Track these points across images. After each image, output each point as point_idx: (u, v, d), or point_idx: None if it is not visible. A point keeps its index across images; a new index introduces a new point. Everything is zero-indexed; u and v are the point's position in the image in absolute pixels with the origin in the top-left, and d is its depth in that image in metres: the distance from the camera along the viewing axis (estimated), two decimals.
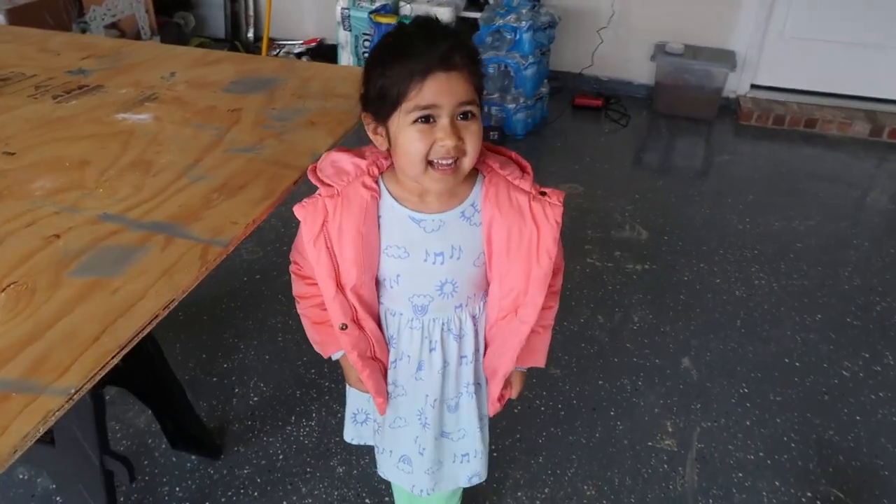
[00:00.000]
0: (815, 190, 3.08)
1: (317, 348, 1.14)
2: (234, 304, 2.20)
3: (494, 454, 1.72)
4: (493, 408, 1.18)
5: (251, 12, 4.27)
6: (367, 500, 1.60)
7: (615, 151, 3.39)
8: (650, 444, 1.78)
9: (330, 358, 1.15)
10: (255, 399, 1.85)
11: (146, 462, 1.67)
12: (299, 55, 4.08)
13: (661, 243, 2.62)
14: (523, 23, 3.24)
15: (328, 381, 1.91)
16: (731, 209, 2.88)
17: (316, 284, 1.04)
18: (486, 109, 3.42)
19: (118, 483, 1.43)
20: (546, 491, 1.65)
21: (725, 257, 2.56)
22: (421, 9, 3.61)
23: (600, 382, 1.96)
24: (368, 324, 1.04)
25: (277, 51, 4.13)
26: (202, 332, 2.08)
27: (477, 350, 1.11)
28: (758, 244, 2.65)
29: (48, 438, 1.32)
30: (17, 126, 1.34)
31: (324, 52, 4.10)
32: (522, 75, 3.32)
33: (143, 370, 1.48)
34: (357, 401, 1.27)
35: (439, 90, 0.85)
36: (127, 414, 1.78)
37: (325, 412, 1.82)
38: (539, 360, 1.15)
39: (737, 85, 3.88)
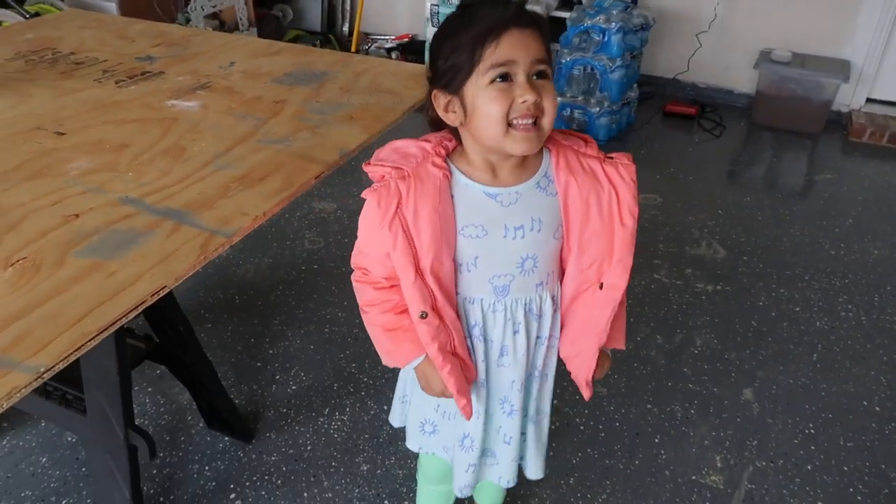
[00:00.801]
0: None
1: (389, 360, 1.07)
2: (288, 292, 2.23)
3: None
4: (587, 391, 1.10)
5: (347, 6, 4.36)
6: (386, 502, 1.58)
7: (703, 163, 3.20)
8: (694, 478, 1.66)
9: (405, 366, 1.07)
10: (294, 387, 1.87)
11: (182, 438, 1.72)
12: (390, 50, 4.11)
13: (738, 264, 2.45)
14: (613, 24, 3.12)
15: (367, 378, 1.90)
16: (825, 232, 2.65)
17: (386, 288, 1.01)
18: (567, 112, 3.33)
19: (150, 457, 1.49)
20: None
21: (810, 284, 2.35)
22: None
23: (648, 406, 1.85)
24: (448, 313, 1.00)
25: (369, 45, 4.19)
26: (254, 317, 2.13)
27: (552, 335, 1.08)
28: (850, 273, 2.42)
29: (81, 408, 1.39)
30: (74, 108, 1.40)
31: (414, 48, 4.12)
32: (608, 78, 3.20)
33: (176, 351, 1.52)
34: (424, 410, 1.18)
35: (515, 45, 0.85)
36: (173, 389, 1.85)
37: (359, 408, 1.81)
38: (619, 340, 1.09)
39: (850, 98, 3.57)
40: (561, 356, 1.12)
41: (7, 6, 3.26)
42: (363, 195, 0.95)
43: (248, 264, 2.37)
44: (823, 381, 1.95)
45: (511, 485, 1.20)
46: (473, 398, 1.08)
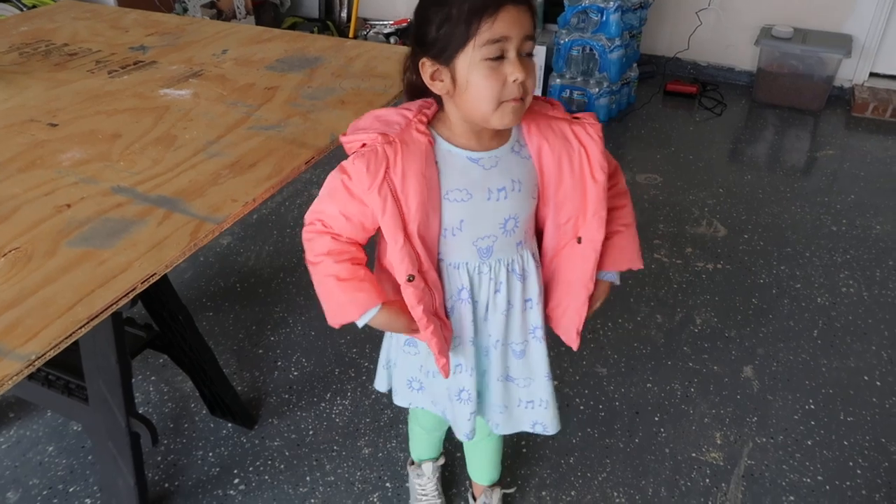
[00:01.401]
0: None
1: (339, 315, 1.03)
2: (289, 279, 2.25)
3: (524, 450, 1.67)
4: (577, 341, 1.15)
5: None
6: (387, 484, 1.59)
7: (704, 141, 3.19)
8: (694, 455, 1.66)
9: (356, 324, 1.04)
10: (295, 373, 1.89)
11: (186, 425, 1.74)
12: (388, 35, 4.10)
13: (739, 242, 2.44)
14: (611, 3, 3.09)
15: (367, 362, 1.92)
16: (826, 209, 2.64)
17: (345, 241, 1.00)
18: (567, 93, 3.31)
19: (160, 445, 1.50)
20: (572, 493, 1.58)
21: (811, 261, 2.35)
22: None
23: (648, 385, 1.85)
24: (431, 275, 1.02)
25: (367, 31, 4.17)
26: (256, 305, 2.14)
27: (541, 293, 1.12)
28: (852, 248, 2.41)
29: (84, 397, 1.40)
30: (67, 99, 1.41)
31: None
32: (607, 59, 3.18)
33: (177, 339, 1.54)
34: (410, 370, 1.21)
35: (511, 22, 0.87)
36: (176, 378, 1.86)
37: (360, 392, 1.83)
38: (634, 260, 1.12)
39: (852, 73, 3.54)
40: (550, 322, 1.17)
41: (6, 0, 3.26)
42: (350, 161, 0.95)
43: (249, 252, 2.38)
44: (824, 357, 1.95)
45: (498, 432, 1.24)
46: (461, 356, 1.12)
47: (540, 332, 1.14)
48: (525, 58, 0.90)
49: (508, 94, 0.89)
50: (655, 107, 3.52)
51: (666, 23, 3.71)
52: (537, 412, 1.22)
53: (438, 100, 0.98)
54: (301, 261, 2.32)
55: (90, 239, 0.96)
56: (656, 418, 1.76)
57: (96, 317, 0.83)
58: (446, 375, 1.11)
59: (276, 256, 2.36)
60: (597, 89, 3.22)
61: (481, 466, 1.48)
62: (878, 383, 1.87)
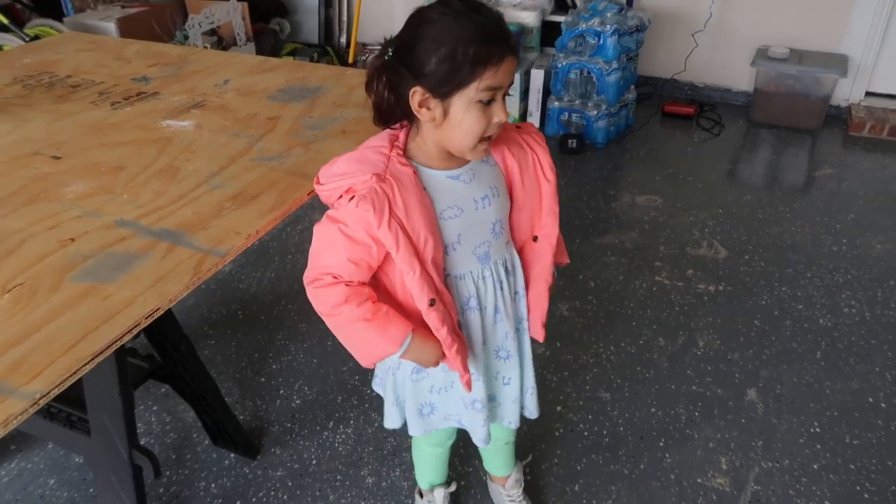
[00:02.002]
0: None
1: (375, 352, 1.06)
2: (291, 306, 2.24)
3: (528, 477, 1.65)
4: (541, 334, 1.23)
5: (344, 18, 4.38)
6: None
7: (703, 162, 3.20)
8: (699, 480, 1.65)
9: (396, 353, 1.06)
10: (298, 402, 1.88)
11: (188, 456, 1.73)
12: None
13: (740, 263, 2.44)
14: (608, 27, 3.12)
15: (370, 389, 1.91)
16: (826, 228, 2.65)
17: (357, 285, 1.01)
18: (566, 116, 3.33)
19: (162, 476, 1.49)
20: None
21: (812, 281, 2.35)
22: (506, 13, 3.56)
23: (652, 410, 1.84)
24: (446, 295, 1.06)
25: (366, 55, 4.21)
26: (258, 332, 2.14)
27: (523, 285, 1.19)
28: (853, 268, 2.41)
29: (86, 429, 1.40)
30: (71, 131, 1.42)
31: None
32: (605, 81, 3.20)
33: (179, 369, 1.53)
34: (419, 396, 1.22)
35: (508, 72, 0.94)
36: (178, 408, 1.86)
37: (363, 420, 1.82)
38: (564, 255, 1.24)
39: (848, 92, 3.57)
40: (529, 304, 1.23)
41: (8, 30, 3.30)
42: (355, 206, 0.94)
43: (251, 279, 2.38)
44: (828, 379, 1.94)
45: (515, 426, 1.31)
46: (473, 365, 1.16)
47: (525, 323, 1.22)
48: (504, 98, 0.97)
49: (490, 132, 0.97)
50: (654, 128, 3.54)
51: (662, 45, 3.74)
52: (526, 398, 1.29)
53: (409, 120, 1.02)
54: (303, 287, 2.32)
55: (94, 273, 0.96)
56: (661, 443, 1.75)
57: (100, 353, 0.83)
58: (469, 389, 1.15)
59: (278, 283, 2.36)
60: (595, 112, 3.25)
61: (503, 462, 1.52)
62: (882, 405, 1.86)
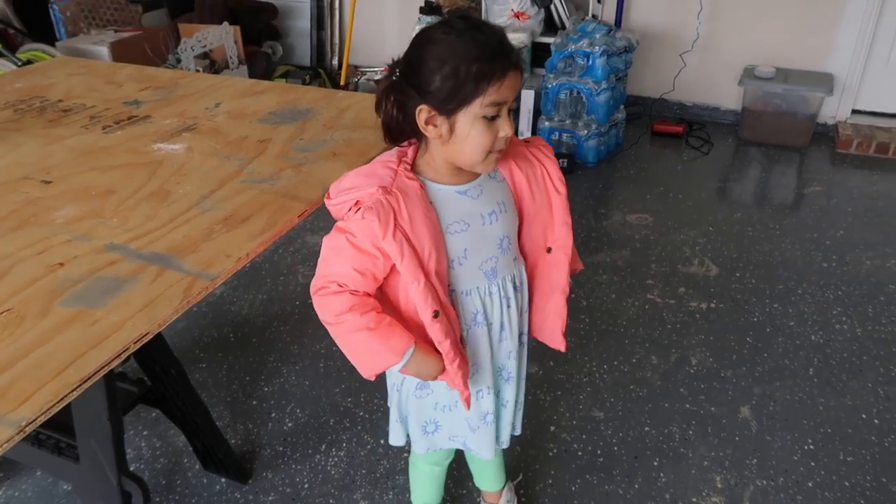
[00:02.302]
0: None
1: (375, 365, 1.05)
2: (283, 328, 2.24)
3: (523, 500, 1.64)
4: (564, 343, 1.23)
5: (336, 40, 4.41)
6: None
7: (693, 180, 3.23)
8: (694, 499, 1.64)
9: (399, 362, 1.05)
10: (290, 424, 1.87)
11: (178, 481, 1.71)
12: (379, 82, 4.15)
13: (731, 280, 2.45)
14: (596, 48, 3.16)
15: (363, 412, 1.90)
16: (815, 245, 2.66)
17: (362, 294, 1.02)
18: (556, 136, 3.36)
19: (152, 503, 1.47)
20: None
21: (804, 298, 2.36)
22: None
23: (646, 429, 1.84)
24: (450, 310, 1.08)
25: (358, 78, 4.24)
26: (249, 354, 2.12)
27: (528, 302, 1.21)
28: (843, 284, 2.43)
29: (74, 456, 1.38)
30: (61, 155, 1.42)
31: None
32: (595, 101, 3.23)
33: (169, 393, 1.52)
34: (424, 413, 1.23)
35: (512, 87, 0.96)
36: (168, 432, 1.84)
37: (356, 442, 1.80)
38: (577, 263, 1.23)
39: (835, 110, 3.61)
40: (532, 332, 1.25)
41: (0, 55, 3.31)
42: (362, 217, 0.97)
43: (243, 301, 2.37)
44: (821, 396, 1.95)
45: (505, 445, 1.32)
46: (481, 381, 1.18)
47: (525, 338, 1.23)
48: (509, 113, 0.99)
49: (497, 146, 0.99)
50: (643, 147, 3.57)
51: (651, 65, 3.79)
52: (517, 416, 1.31)
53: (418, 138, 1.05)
54: (295, 308, 2.32)
55: (83, 298, 0.96)
56: (655, 462, 1.74)
57: (88, 379, 0.82)
58: (468, 407, 1.16)
59: (270, 305, 2.35)
60: (585, 131, 3.27)
61: (493, 476, 1.52)
62: (875, 421, 1.86)
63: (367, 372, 1.08)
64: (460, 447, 1.29)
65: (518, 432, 1.34)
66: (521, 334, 1.21)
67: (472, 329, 1.13)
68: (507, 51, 0.95)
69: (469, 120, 0.95)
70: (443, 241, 1.03)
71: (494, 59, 0.93)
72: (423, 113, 0.97)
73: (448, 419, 1.23)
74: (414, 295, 1.01)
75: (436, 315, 1.03)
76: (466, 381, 1.12)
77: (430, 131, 0.98)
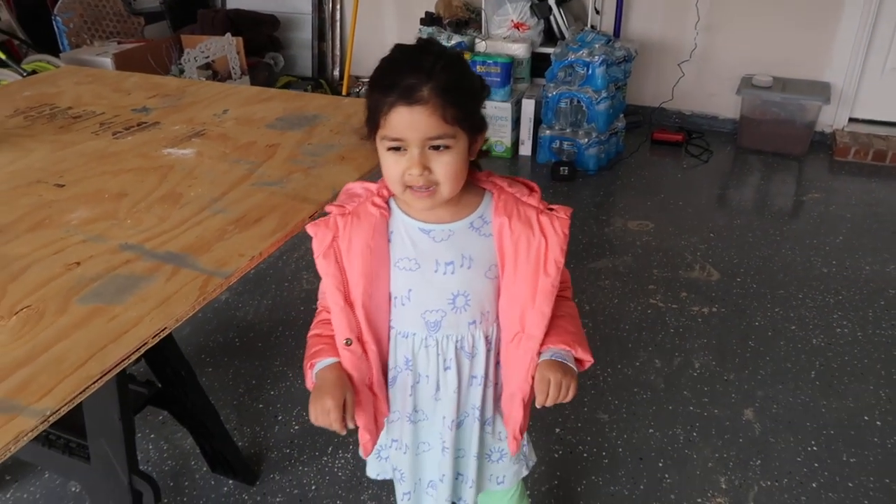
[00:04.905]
0: None
1: (305, 366, 1.06)
2: (288, 333, 2.25)
3: (529, 501, 1.65)
4: (511, 444, 1.12)
5: (337, 51, 4.45)
6: None
7: (693, 188, 3.25)
8: (699, 500, 1.65)
9: (312, 373, 1.05)
10: (296, 427, 1.88)
11: (186, 483, 1.72)
12: None
13: (732, 285, 2.47)
14: (596, 58, 3.19)
15: None
16: (815, 251, 2.69)
17: (327, 310, 1.05)
18: (557, 144, 3.39)
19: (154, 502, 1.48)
20: None
21: (804, 302, 2.38)
22: (496, 45, 3.64)
23: (650, 431, 1.85)
24: (371, 347, 1.03)
25: (360, 88, 4.27)
26: (255, 359, 2.14)
27: (486, 374, 1.08)
28: (843, 289, 2.45)
29: (85, 456, 1.39)
30: (73, 160, 1.44)
31: None
32: (595, 110, 3.27)
33: (179, 395, 1.54)
34: (381, 437, 1.19)
35: (402, 124, 0.87)
36: (175, 435, 1.85)
37: None
38: (577, 342, 1.02)
39: (832, 118, 3.65)
40: (504, 418, 1.12)
41: (5, 66, 3.34)
42: (306, 227, 1.02)
43: (248, 307, 2.39)
44: (823, 398, 1.96)
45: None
46: (400, 433, 1.13)
47: (477, 412, 1.10)
48: (434, 151, 0.89)
49: (408, 180, 0.90)
50: (643, 155, 3.60)
51: (650, 75, 3.83)
52: (463, 491, 1.20)
53: None
54: (300, 314, 2.34)
55: (100, 295, 0.97)
56: (660, 464, 1.75)
57: (109, 371, 0.84)
58: (365, 454, 1.15)
59: (275, 310, 2.37)
60: (586, 140, 3.30)
61: None
62: (878, 423, 1.88)
63: (305, 372, 1.06)
64: (404, 485, 1.21)
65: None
66: (483, 407, 1.10)
67: (402, 374, 1.08)
68: (400, 82, 0.85)
69: (381, 149, 0.92)
70: (386, 274, 1.00)
71: (385, 89, 0.87)
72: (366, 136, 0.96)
73: (397, 458, 1.19)
74: (332, 316, 1.02)
75: (347, 343, 1.01)
76: (370, 427, 1.08)
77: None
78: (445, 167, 0.90)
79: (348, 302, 1.00)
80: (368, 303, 1.00)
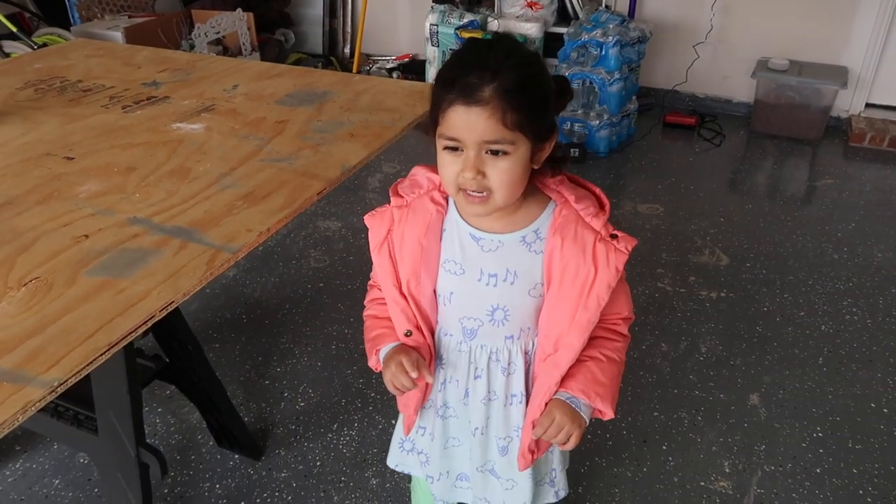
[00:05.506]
0: None
1: (371, 349, 1.07)
2: (295, 310, 2.26)
3: None
4: (520, 461, 1.08)
5: (348, 29, 4.42)
6: None
7: (704, 172, 3.22)
8: (702, 483, 1.66)
9: (377, 357, 1.07)
10: (302, 404, 1.89)
11: (192, 457, 1.74)
12: (391, 70, 4.17)
13: (742, 270, 2.46)
14: (610, 38, 3.16)
15: (374, 392, 1.92)
16: (827, 237, 2.66)
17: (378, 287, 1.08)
18: (567, 126, 3.36)
19: (167, 477, 1.50)
20: None
21: (814, 288, 2.36)
22: (509, 24, 3.60)
23: (655, 414, 1.85)
24: (427, 335, 1.05)
25: (370, 66, 4.25)
26: (262, 336, 2.15)
27: (528, 392, 1.06)
28: (854, 276, 2.43)
29: (93, 428, 1.41)
30: (83, 133, 1.44)
31: (414, 68, 4.17)
32: (607, 92, 3.23)
33: (186, 369, 1.55)
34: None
35: (459, 124, 0.83)
36: (182, 409, 1.87)
37: (367, 422, 1.83)
38: (601, 394, 0.98)
39: (849, 103, 3.60)
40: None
41: (16, 38, 3.33)
42: (364, 218, 1.03)
43: (255, 284, 2.39)
44: (830, 385, 1.95)
45: None
46: (444, 427, 1.15)
47: (516, 439, 1.08)
48: (489, 156, 0.84)
49: (461, 183, 0.87)
50: (655, 138, 3.57)
51: (664, 56, 3.78)
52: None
53: None
54: (307, 292, 2.35)
55: (109, 268, 0.98)
56: (664, 447, 1.76)
57: (116, 344, 0.84)
58: (406, 433, 1.18)
59: (282, 287, 2.37)
60: (597, 121, 3.28)
61: None
62: (885, 410, 1.87)
63: (369, 356, 1.09)
64: (427, 483, 1.23)
65: None
66: (514, 429, 1.08)
67: (438, 370, 1.09)
68: (462, 79, 0.82)
69: (438, 145, 0.88)
70: (434, 272, 0.99)
71: (446, 84, 0.83)
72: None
73: (423, 443, 1.20)
74: (389, 308, 1.04)
75: (407, 334, 1.02)
76: (416, 407, 1.12)
77: None
78: (501, 174, 0.85)
79: (402, 295, 1.01)
80: (418, 295, 1.01)
